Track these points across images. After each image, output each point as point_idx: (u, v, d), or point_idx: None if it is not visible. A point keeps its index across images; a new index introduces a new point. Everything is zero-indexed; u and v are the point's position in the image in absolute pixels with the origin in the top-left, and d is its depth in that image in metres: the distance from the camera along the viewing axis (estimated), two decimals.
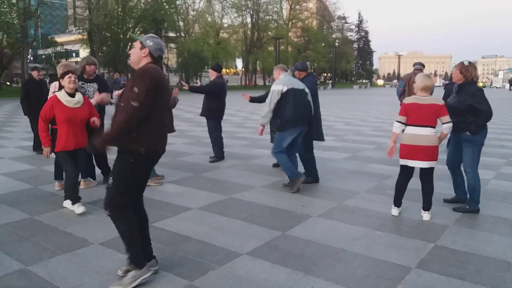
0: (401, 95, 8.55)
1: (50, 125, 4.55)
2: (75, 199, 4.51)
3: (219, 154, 7.32)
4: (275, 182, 5.86)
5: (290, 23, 59.34)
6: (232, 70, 78.85)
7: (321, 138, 5.87)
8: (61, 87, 4.55)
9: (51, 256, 3.43)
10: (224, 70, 64.82)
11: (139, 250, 2.97)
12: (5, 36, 37.11)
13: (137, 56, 2.94)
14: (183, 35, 51.64)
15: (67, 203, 4.59)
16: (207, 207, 4.73)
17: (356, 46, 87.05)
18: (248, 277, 3.09)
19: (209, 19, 53.29)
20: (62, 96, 4.46)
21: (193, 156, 7.76)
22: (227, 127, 6.45)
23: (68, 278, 3.04)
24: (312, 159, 5.83)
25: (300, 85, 5.33)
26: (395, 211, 4.51)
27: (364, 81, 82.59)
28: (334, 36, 70.50)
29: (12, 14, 34.99)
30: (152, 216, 4.33)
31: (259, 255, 3.48)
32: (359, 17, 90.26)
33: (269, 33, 55.06)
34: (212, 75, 7.23)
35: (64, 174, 4.73)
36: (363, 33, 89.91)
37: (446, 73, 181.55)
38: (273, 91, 5.27)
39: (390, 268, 3.25)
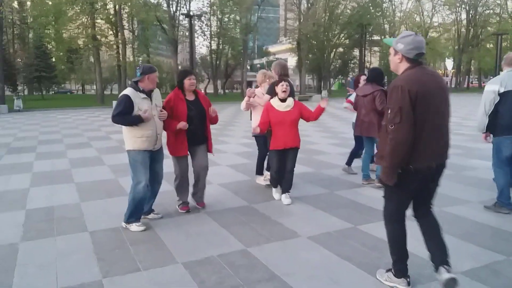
0: None
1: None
2: (274, 186, 5.25)
3: None
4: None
5: None
6: (441, 71, 72.36)
7: None
8: (275, 94, 5.04)
9: (266, 242, 3.83)
10: None
11: (399, 260, 2.90)
12: (230, 49, 43.46)
13: (394, 64, 2.75)
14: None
15: (274, 192, 5.28)
16: (411, 217, 4.44)
17: None
18: None
19: (418, 19, 50.23)
20: (274, 102, 4.98)
21: None
22: None
23: (280, 265, 3.33)
24: None
25: None
26: None
27: None
28: None
29: (236, 29, 40.62)
30: (356, 219, 4.40)
31: (476, 278, 3.08)
32: None
33: (489, 28, 48.20)
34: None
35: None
36: None
37: None
38: (487, 91, 4.56)
39: None
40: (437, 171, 2.79)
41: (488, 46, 49.73)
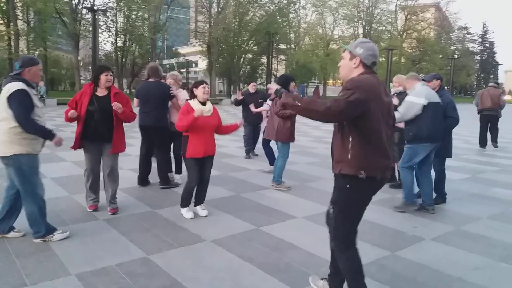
0: None
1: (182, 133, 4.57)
2: (185, 205, 4.66)
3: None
4: (384, 199, 5.60)
5: (405, 34, 56.48)
6: (339, 82, 77.90)
7: (451, 155, 5.54)
8: (193, 96, 4.52)
9: (168, 248, 3.74)
10: (331, 81, 64.50)
11: None
12: (137, 47, 41.85)
13: (347, 68, 2.57)
14: (293, 47, 52.51)
15: (185, 212, 4.65)
16: (312, 217, 4.71)
17: (479, 58, 79.52)
18: None
19: (320, 31, 53.32)
20: (194, 104, 4.44)
21: (298, 165, 7.81)
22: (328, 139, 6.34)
23: (183, 271, 3.28)
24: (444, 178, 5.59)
25: (437, 98, 4.99)
26: None
27: None
28: (453, 47, 64.91)
29: (144, 28, 39.28)
30: (259, 221, 4.51)
31: (366, 273, 3.31)
32: (483, 28, 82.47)
33: (382, 44, 53.06)
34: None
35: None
36: (487, 45, 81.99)
37: None
38: (413, 103, 4.86)
39: None
40: (380, 184, 2.61)
41: (380, 59, 54.69)
